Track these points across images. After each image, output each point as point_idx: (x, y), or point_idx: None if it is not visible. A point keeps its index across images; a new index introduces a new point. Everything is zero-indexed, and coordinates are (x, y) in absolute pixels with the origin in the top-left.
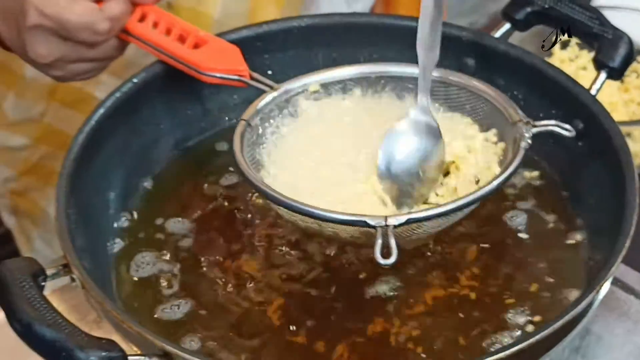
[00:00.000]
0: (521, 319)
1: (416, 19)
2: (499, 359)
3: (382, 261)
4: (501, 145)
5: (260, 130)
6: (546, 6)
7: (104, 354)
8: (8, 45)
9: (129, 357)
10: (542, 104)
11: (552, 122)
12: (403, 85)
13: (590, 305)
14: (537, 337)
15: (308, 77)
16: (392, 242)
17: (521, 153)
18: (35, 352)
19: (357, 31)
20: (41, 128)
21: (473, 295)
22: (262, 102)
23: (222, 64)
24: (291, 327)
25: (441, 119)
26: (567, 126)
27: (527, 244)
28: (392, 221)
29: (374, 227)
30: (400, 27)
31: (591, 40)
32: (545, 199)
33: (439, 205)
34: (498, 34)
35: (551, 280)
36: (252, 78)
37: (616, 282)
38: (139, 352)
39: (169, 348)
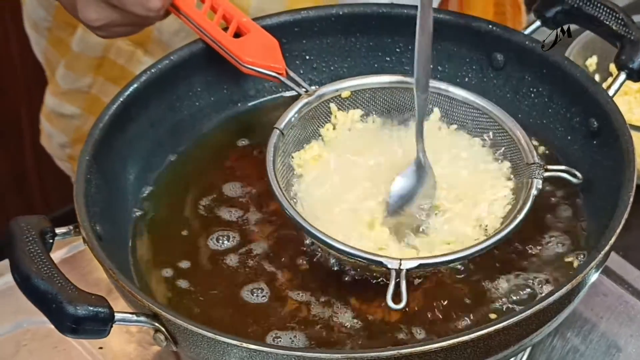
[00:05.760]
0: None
1: (449, 13)
2: (468, 340)
3: (392, 306)
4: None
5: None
6: (575, 5)
7: (91, 308)
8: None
9: (117, 314)
10: (563, 100)
11: (563, 167)
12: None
13: (568, 297)
14: (505, 323)
15: (341, 83)
16: (404, 288)
17: (531, 199)
18: (31, 303)
19: (392, 22)
20: (90, 99)
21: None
22: (294, 108)
23: (262, 58)
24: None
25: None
26: (577, 173)
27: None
28: (406, 265)
29: (388, 268)
30: (436, 21)
31: (615, 41)
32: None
33: (451, 253)
34: (528, 30)
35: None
36: (288, 76)
37: (628, 287)
38: (128, 311)
39: (156, 309)
